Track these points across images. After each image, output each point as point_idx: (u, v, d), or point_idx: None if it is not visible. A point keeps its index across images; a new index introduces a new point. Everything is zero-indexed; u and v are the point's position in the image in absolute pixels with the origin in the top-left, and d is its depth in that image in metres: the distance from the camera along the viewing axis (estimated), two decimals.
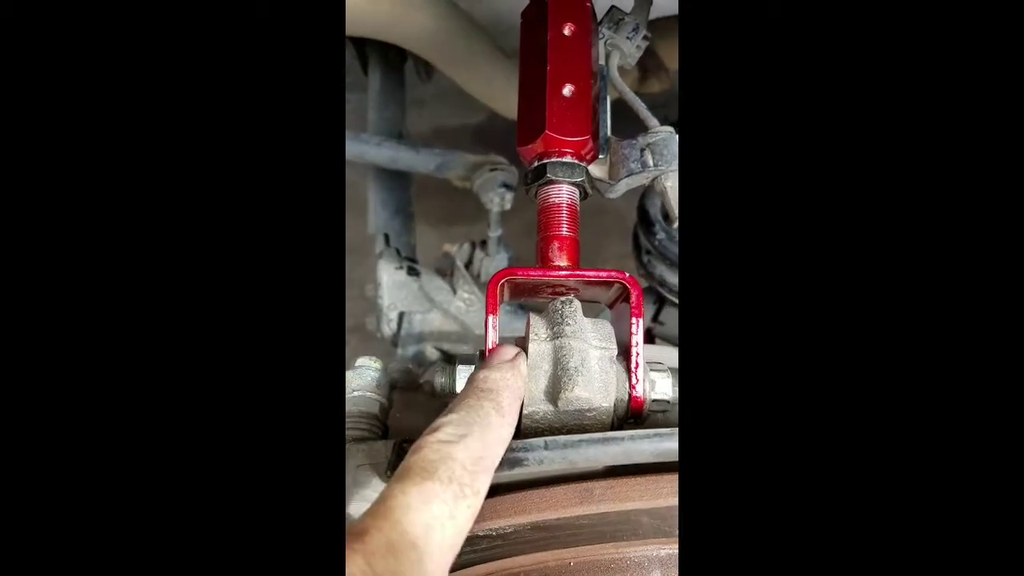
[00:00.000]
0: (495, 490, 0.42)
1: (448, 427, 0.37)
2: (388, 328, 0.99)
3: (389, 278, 0.99)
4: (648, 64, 1.03)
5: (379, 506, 0.33)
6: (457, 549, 0.34)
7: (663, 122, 0.56)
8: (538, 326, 0.47)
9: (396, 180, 1.04)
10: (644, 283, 0.88)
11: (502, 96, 0.93)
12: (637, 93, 1.00)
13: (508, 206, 0.89)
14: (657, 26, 0.97)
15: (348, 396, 0.51)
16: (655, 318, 0.91)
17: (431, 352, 0.99)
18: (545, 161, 0.52)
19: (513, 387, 0.41)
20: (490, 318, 0.47)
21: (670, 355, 0.62)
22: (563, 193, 0.53)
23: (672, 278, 0.82)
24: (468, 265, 0.99)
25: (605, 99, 0.59)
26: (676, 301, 0.85)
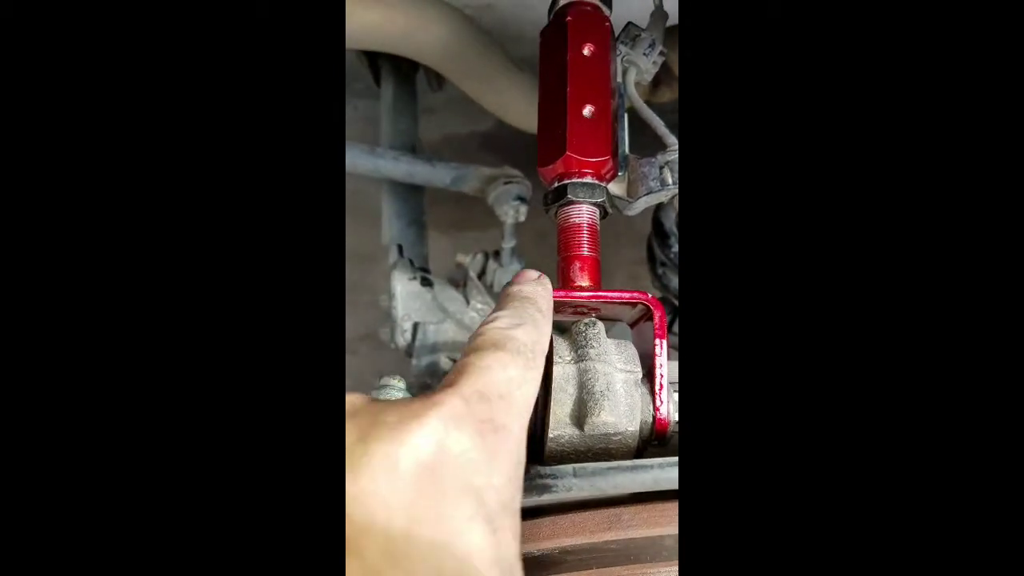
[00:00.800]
0: (525, 513, 0.42)
1: (504, 318, 0.41)
2: (402, 339, 0.99)
3: (403, 288, 0.99)
4: (659, 74, 1.02)
5: (461, 367, 0.36)
6: (529, 413, 0.37)
7: (675, 126, 0.57)
8: (561, 348, 0.47)
9: (410, 191, 1.05)
10: (659, 294, 0.88)
11: (513, 107, 0.94)
12: (648, 102, 1.00)
13: (522, 218, 0.90)
14: (667, 35, 0.97)
15: None
16: (670, 328, 0.91)
17: (445, 362, 0.99)
18: (566, 182, 0.53)
19: (546, 297, 0.46)
20: None
21: None
22: (584, 213, 0.53)
23: None
24: (481, 276, 0.99)
25: (623, 116, 0.59)
26: None
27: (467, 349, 0.39)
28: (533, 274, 0.48)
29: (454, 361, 0.99)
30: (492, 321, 0.41)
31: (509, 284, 0.47)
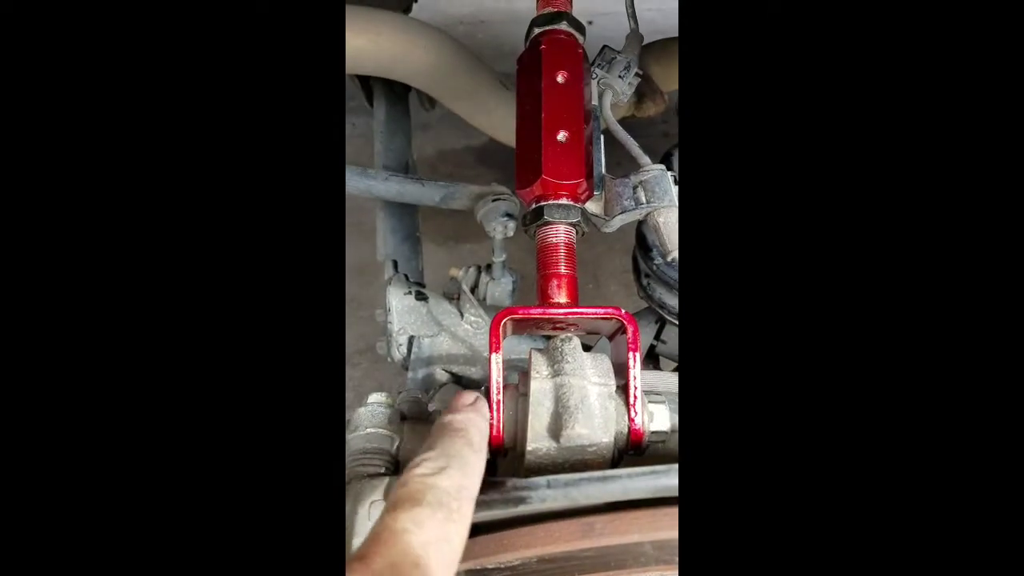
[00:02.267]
0: (502, 524, 0.44)
1: (428, 462, 0.40)
2: (398, 352, 1.01)
3: (398, 303, 1.01)
4: (644, 88, 1.05)
5: (376, 533, 0.36)
6: (455, 569, 0.37)
7: (664, 136, 0.59)
8: (539, 363, 0.49)
9: (404, 208, 1.07)
10: (644, 304, 0.90)
11: (503, 126, 0.96)
12: (634, 116, 1.02)
13: (511, 234, 0.92)
14: (651, 49, 0.99)
15: (362, 433, 0.53)
16: (657, 336, 0.93)
17: (440, 375, 1.01)
18: (543, 204, 0.55)
19: (479, 425, 0.45)
20: (493, 356, 0.49)
21: (672, 381, 0.65)
22: (560, 233, 0.55)
23: (671, 300, 0.84)
24: (474, 289, 1.01)
25: (599, 139, 0.61)
26: (676, 322, 0.87)
27: (389, 503, 0.38)
28: (468, 398, 0.47)
29: (450, 373, 1.01)
30: (416, 466, 0.40)
31: (442, 413, 0.46)
